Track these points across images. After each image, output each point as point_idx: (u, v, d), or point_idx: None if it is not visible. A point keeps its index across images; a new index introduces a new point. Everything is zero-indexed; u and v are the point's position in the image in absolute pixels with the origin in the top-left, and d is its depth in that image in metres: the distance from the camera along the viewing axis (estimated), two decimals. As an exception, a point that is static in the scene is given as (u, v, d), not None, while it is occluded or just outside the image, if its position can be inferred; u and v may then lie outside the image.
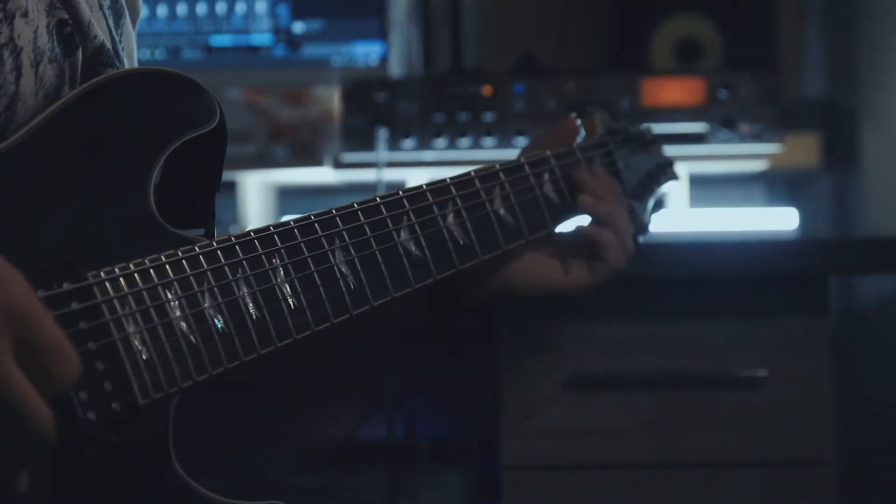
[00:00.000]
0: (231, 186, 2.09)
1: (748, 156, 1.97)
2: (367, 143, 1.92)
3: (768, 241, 1.68)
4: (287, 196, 2.27)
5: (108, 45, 1.00)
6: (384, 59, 2.10)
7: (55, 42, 0.95)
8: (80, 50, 0.96)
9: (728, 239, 1.73)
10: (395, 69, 2.20)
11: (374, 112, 1.93)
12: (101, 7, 1.01)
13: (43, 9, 0.94)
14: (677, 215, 1.94)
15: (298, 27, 2.10)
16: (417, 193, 1.07)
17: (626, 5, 2.23)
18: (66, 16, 0.95)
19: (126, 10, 1.07)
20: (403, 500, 1.98)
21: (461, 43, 2.24)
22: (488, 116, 1.93)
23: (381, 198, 1.04)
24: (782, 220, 1.83)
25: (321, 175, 2.08)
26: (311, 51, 2.11)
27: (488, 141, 1.92)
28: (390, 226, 1.03)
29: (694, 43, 2.16)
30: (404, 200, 1.05)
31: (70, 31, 0.95)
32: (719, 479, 1.64)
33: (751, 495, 1.64)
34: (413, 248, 1.04)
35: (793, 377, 1.65)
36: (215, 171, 1.00)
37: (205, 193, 1.00)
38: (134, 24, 1.10)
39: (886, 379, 2.09)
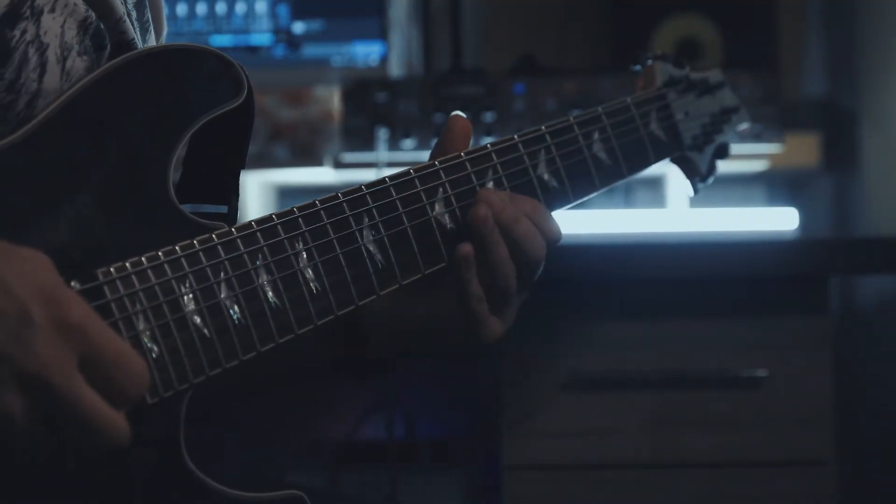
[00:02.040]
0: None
1: (748, 156, 1.97)
2: (367, 143, 1.92)
3: (768, 241, 1.68)
4: (287, 196, 2.27)
5: (140, 46, 0.99)
6: (384, 59, 2.10)
7: (85, 35, 0.94)
8: (109, 45, 0.95)
9: (728, 239, 1.73)
10: (395, 69, 2.20)
11: (374, 112, 1.93)
12: (129, 15, 1.01)
13: (72, 3, 0.93)
14: (677, 215, 1.94)
15: (298, 27, 2.10)
16: (455, 164, 1.02)
17: (626, 5, 2.23)
18: (88, 13, 0.94)
19: (152, 26, 1.06)
20: (403, 500, 1.98)
21: (461, 43, 2.24)
22: (488, 116, 1.93)
23: (414, 170, 1.00)
24: (782, 220, 1.83)
25: (321, 175, 2.08)
26: (311, 51, 2.11)
27: (488, 141, 1.92)
28: (424, 200, 0.99)
29: (694, 43, 2.16)
30: (440, 172, 1.01)
31: (96, 26, 0.94)
32: (719, 479, 1.64)
33: (751, 495, 1.64)
34: (447, 222, 1.00)
35: (793, 377, 1.65)
36: (242, 147, 0.97)
37: (230, 170, 0.98)
38: (157, 41, 1.09)
39: (886, 379, 2.09)
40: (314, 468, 2.15)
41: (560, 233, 1.03)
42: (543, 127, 1.08)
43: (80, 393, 0.74)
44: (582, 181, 1.10)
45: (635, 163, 1.16)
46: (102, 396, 0.75)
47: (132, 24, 1.00)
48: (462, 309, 1.01)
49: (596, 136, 1.11)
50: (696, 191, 1.26)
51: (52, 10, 0.92)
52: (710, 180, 1.26)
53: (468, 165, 1.02)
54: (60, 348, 0.74)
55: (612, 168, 1.13)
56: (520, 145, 1.06)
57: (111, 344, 0.76)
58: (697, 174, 1.24)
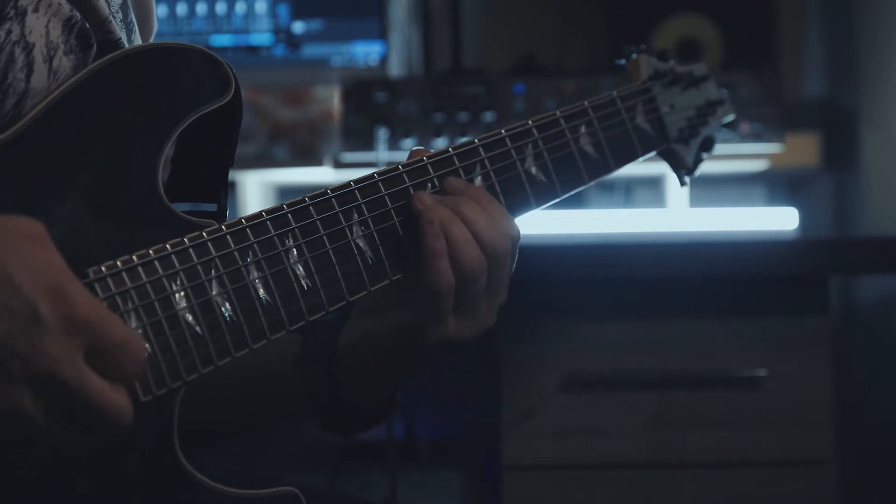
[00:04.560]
0: (231, 186, 2.09)
1: (748, 156, 1.97)
2: (367, 143, 1.92)
3: (768, 241, 1.68)
4: (287, 196, 2.27)
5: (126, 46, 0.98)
6: (384, 59, 2.10)
7: (70, 34, 0.93)
8: (95, 45, 0.95)
9: (728, 239, 1.73)
10: (395, 69, 2.20)
11: (374, 112, 1.93)
12: (114, 17, 1.00)
13: (56, 3, 0.93)
14: (677, 215, 1.94)
15: (298, 27, 2.10)
16: (443, 158, 1.02)
17: (626, 5, 2.23)
18: (73, 12, 0.94)
19: (136, 26, 1.06)
20: (403, 500, 1.98)
21: (461, 43, 2.24)
22: (488, 116, 1.93)
23: (403, 166, 0.99)
24: (782, 220, 1.83)
25: (321, 175, 2.08)
26: (311, 51, 2.11)
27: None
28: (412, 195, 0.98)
29: (694, 43, 2.16)
30: (428, 167, 1.01)
31: (81, 25, 0.94)
32: (719, 479, 1.64)
33: (751, 495, 1.64)
34: None
35: (793, 377, 1.65)
36: (230, 144, 0.97)
37: (219, 168, 0.97)
38: (148, 40, 1.08)
39: (886, 379, 2.09)
40: (313, 468, 2.14)
41: (518, 231, 1.01)
42: (530, 121, 1.08)
43: (90, 383, 0.76)
44: (570, 175, 1.10)
45: (622, 156, 1.15)
46: (108, 379, 0.77)
47: (116, 23, 1.00)
48: (423, 306, 0.98)
49: (583, 129, 1.12)
50: (682, 183, 1.26)
51: (36, 10, 0.92)
52: (697, 173, 1.26)
53: (456, 160, 1.02)
54: (68, 344, 0.75)
55: (599, 161, 1.12)
56: (507, 139, 1.06)
57: (114, 331, 0.77)
58: (684, 167, 1.24)
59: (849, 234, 2.25)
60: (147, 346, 0.82)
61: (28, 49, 0.91)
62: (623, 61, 1.24)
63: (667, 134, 1.21)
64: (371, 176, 0.98)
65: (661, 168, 2.02)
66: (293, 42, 2.10)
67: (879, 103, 2.14)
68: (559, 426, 1.65)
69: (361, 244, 0.95)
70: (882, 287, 2.10)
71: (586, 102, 1.13)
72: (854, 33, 2.22)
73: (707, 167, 2.04)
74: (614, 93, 1.17)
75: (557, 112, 1.10)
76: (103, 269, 0.82)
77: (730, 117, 1.30)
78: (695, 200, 2.05)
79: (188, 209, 0.94)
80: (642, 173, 2.09)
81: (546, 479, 1.65)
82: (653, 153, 1.22)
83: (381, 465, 1.99)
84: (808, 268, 1.63)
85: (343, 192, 0.95)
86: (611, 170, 1.14)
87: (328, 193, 0.95)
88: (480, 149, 1.04)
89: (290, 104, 2.30)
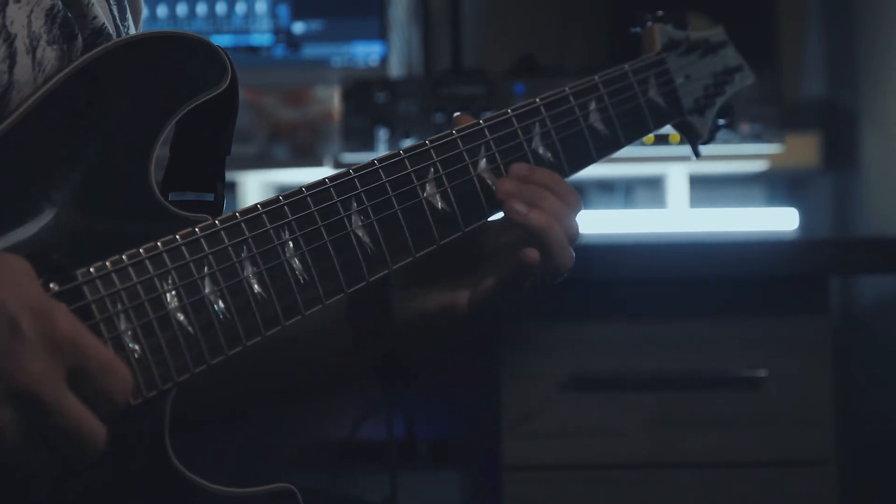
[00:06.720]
0: (231, 186, 2.09)
1: (748, 156, 1.97)
2: (367, 143, 1.92)
3: (768, 242, 1.68)
4: (287, 196, 2.27)
5: (111, 30, 0.96)
6: (384, 59, 2.10)
7: (53, 24, 0.91)
8: (80, 35, 0.93)
9: (728, 239, 1.73)
10: (395, 69, 2.20)
11: (374, 112, 1.92)
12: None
13: None
14: (677, 215, 1.94)
15: (298, 27, 2.10)
16: (447, 142, 0.99)
17: (626, 5, 2.23)
18: (55, 1, 0.92)
19: (128, 5, 1.04)
20: (403, 500, 1.98)
21: (461, 43, 2.24)
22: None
23: (404, 151, 0.97)
24: (782, 220, 1.83)
25: (321, 175, 2.08)
26: (311, 51, 2.11)
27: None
28: (415, 181, 0.96)
29: (694, 43, 2.16)
30: (431, 152, 0.98)
31: (63, 15, 0.92)
32: (719, 479, 1.64)
33: (751, 495, 1.64)
34: (439, 203, 0.97)
35: (793, 377, 1.65)
36: (227, 133, 0.95)
37: (216, 156, 0.95)
38: (136, 24, 1.07)
39: (886, 379, 2.09)
40: (313, 468, 2.14)
41: (579, 232, 1.01)
42: (538, 99, 1.05)
43: (69, 406, 0.74)
44: (578, 153, 1.07)
45: (633, 131, 1.12)
46: (88, 405, 0.75)
47: (107, 3, 0.98)
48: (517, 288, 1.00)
49: (592, 105, 1.08)
50: (697, 154, 1.22)
51: (18, 0, 0.90)
52: (713, 141, 1.22)
53: (460, 143, 1.00)
54: (50, 363, 0.73)
55: (609, 138, 1.09)
56: (513, 119, 1.03)
57: (98, 355, 0.76)
58: (699, 137, 1.20)
59: (849, 234, 2.25)
60: (137, 348, 0.80)
61: (10, 40, 0.89)
62: (638, 30, 1.20)
63: (681, 106, 1.17)
64: (371, 163, 0.95)
65: (662, 168, 2.02)
66: (293, 42, 2.10)
67: (879, 103, 2.14)
68: (559, 426, 1.65)
69: (360, 234, 0.93)
70: (882, 287, 2.10)
71: (596, 77, 1.10)
72: (854, 33, 2.22)
73: (707, 168, 2.05)
74: (626, 66, 1.13)
75: (567, 89, 1.07)
76: (92, 270, 0.80)
77: (748, 82, 1.26)
78: (695, 201, 2.05)
79: (185, 199, 0.93)
80: (642, 173, 2.09)
81: (546, 479, 1.65)
82: (666, 126, 1.18)
83: (381, 465, 1.99)
84: (808, 268, 1.63)
85: (342, 182, 0.94)
86: (621, 146, 1.11)
87: (326, 183, 0.93)
88: (486, 130, 1.02)
89: (290, 104, 2.29)
